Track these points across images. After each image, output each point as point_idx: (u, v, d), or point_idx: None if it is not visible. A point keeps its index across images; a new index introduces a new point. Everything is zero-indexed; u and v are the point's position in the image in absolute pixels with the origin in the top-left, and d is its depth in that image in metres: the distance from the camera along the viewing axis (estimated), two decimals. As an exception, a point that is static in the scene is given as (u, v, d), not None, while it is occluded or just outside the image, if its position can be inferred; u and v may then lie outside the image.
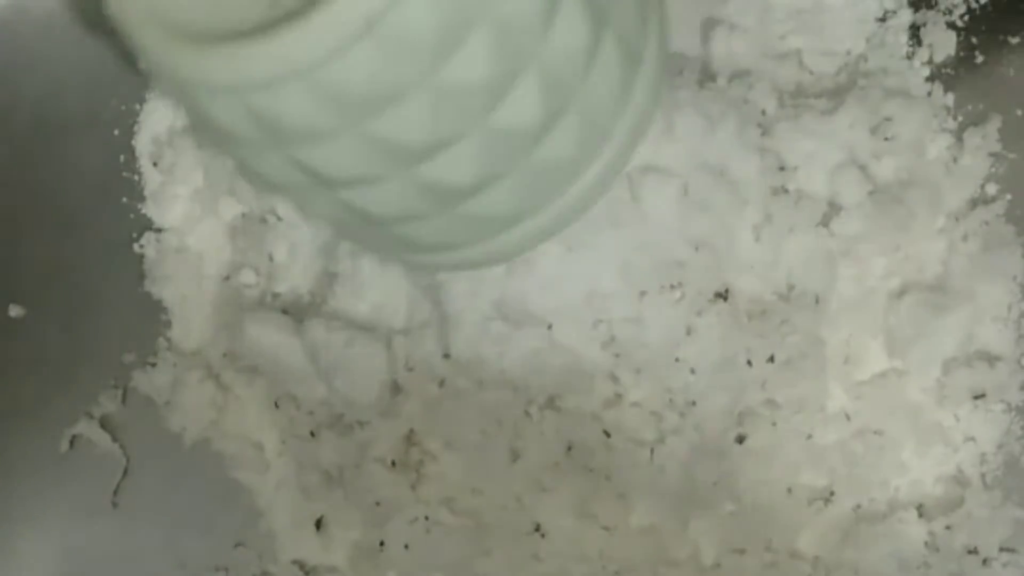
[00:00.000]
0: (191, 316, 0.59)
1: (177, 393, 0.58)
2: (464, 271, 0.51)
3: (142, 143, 0.62)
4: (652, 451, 0.52)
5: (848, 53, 0.58)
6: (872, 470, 0.53)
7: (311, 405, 0.55)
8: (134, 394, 0.59)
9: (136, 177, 0.61)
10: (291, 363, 0.55)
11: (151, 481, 0.58)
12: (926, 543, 0.52)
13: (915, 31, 0.58)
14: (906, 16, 0.58)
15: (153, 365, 0.59)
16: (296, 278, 0.57)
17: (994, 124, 0.55)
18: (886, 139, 0.55)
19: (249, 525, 0.57)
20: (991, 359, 0.53)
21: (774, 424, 0.52)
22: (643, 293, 0.51)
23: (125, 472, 0.58)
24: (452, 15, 0.36)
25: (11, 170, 0.62)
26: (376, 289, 0.54)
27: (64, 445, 0.58)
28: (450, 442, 0.53)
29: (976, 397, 0.53)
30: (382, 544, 0.54)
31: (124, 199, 0.61)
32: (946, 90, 0.57)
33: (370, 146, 0.39)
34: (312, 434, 0.55)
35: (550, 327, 0.51)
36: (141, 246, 0.60)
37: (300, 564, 0.56)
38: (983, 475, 0.53)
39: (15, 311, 0.60)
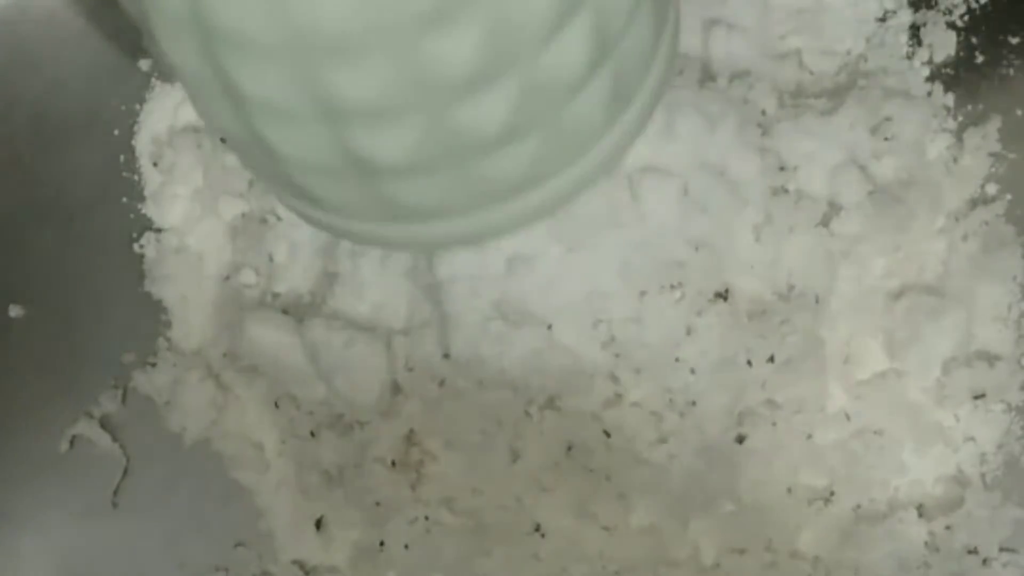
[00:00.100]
0: (191, 316, 0.59)
1: (177, 393, 0.58)
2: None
3: (142, 143, 0.62)
4: (652, 451, 0.52)
5: (848, 53, 0.58)
6: (872, 470, 0.53)
7: (311, 405, 0.55)
8: (134, 394, 0.59)
9: (136, 177, 0.61)
10: (291, 363, 0.55)
11: (151, 481, 0.58)
12: (926, 543, 0.52)
13: (915, 31, 0.58)
14: (906, 16, 0.58)
15: (153, 365, 0.59)
16: (296, 278, 0.57)
17: (994, 124, 0.55)
18: (886, 139, 0.55)
19: (249, 525, 0.57)
20: (991, 359, 0.53)
21: (774, 424, 0.52)
22: (643, 293, 0.51)
23: (125, 472, 0.58)
24: None
25: (11, 170, 0.62)
26: (376, 289, 0.54)
27: (64, 445, 0.58)
28: (450, 442, 0.54)
29: (976, 397, 0.53)
30: (382, 544, 0.54)
31: (124, 199, 0.61)
32: (946, 90, 0.57)
33: (406, 70, 0.36)
34: (312, 434, 0.55)
35: (550, 327, 0.51)
36: (141, 246, 0.60)
37: (300, 564, 0.56)
38: (983, 475, 0.53)
39: (15, 311, 0.60)
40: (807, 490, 0.53)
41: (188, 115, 0.61)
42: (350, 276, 0.54)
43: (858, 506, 0.53)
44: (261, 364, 0.56)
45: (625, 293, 0.51)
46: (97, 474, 0.58)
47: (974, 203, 0.55)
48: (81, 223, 0.61)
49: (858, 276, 0.53)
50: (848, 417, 0.53)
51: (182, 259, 0.60)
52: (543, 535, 0.53)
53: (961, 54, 0.57)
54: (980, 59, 0.57)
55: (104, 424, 0.59)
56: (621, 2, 0.40)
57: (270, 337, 0.55)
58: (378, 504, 0.54)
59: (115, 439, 0.58)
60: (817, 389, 0.52)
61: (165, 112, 0.62)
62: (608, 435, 0.52)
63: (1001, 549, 0.52)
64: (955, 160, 0.56)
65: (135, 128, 0.62)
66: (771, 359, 0.52)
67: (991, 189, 0.55)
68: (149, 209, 0.61)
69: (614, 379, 0.52)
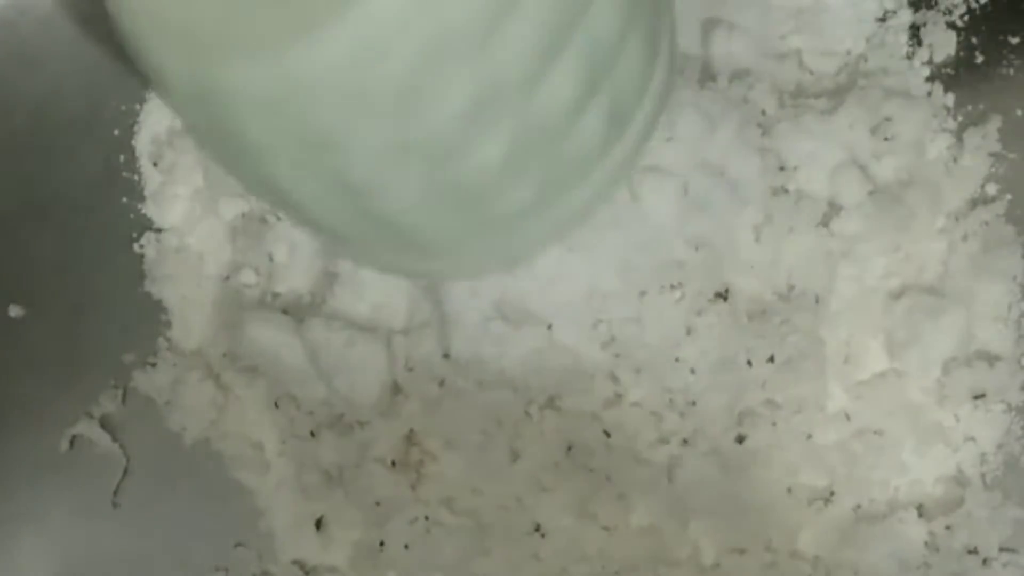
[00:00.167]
0: (191, 316, 0.59)
1: (177, 393, 0.58)
2: (464, 279, 0.51)
3: (142, 143, 0.62)
4: (652, 451, 0.52)
5: (848, 53, 0.58)
6: (872, 470, 0.53)
7: (311, 405, 0.55)
8: (134, 394, 0.59)
9: (136, 177, 0.61)
10: (291, 363, 0.55)
11: (151, 481, 0.58)
12: (926, 543, 0.52)
13: (915, 31, 0.58)
14: (906, 16, 0.58)
15: (153, 365, 0.59)
16: (296, 278, 0.57)
17: (994, 124, 0.55)
18: (886, 139, 0.55)
19: (249, 525, 0.57)
20: (991, 359, 0.53)
21: (774, 424, 0.52)
22: (643, 293, 0.51)
23: (125, 472, 0.58)
24: (495, 3, 0.35)
25: (11, 170, 0.62)
26: (376, 289, 0.54)
27: (64, 445, 0.58)
28: (450, 442, 0.53)
29: (976, 397, 0.53)
30: (382, 544, 0.54)
31: (124, 199, 0.61)
32: (946, 90, 0.57)
33: (403, 145, 0.38)
34: (312, 434, 0.55)
35: (550, 327, 0.51)
36: (141, 246, 0.60)
37: (300, 564, 0.56)
38: (983, 475, 0.53)
39: (15, 311, 0.60)
40: (807, 490, 0.53)
41: (188, 115, 0.61)
42: (350, 276, 0.54)
43: (858, 506, 0.53)
44: (261, 364, 0.56)
45: (625, 293, 0.51)
46: (97, 474, 0.58)
47: (974, 203, 0.55)
48: (81, 223, 0.61)
49: (858, 276, 0.53)
50: (848, 417, 0.53)
51: (182, 259, 0.60)
52: (543, 535, 0.53)
53: (961, 54, 0.57)
54: (980, 59, 0.57)
55: (104, 424, 0.59)
56: (609, 31, 0.40)
57: (270, 337, 0.55)
58: (378, 504, 0.54)
59: (115, 439, 0.58)
60: (817, 389, 0.52)
61: (165, 112, 0.61)
62: (608, 435, 0.52)
63: (1001, 549, 0.52)
64: (955, 160, 0.56)
65: (135, 128, 0.62)
66: (771, 359, 0.52)
67: (991, 189, 0.55)
68: (149, 209, 0.61)
69: (614, 379, 0.52)
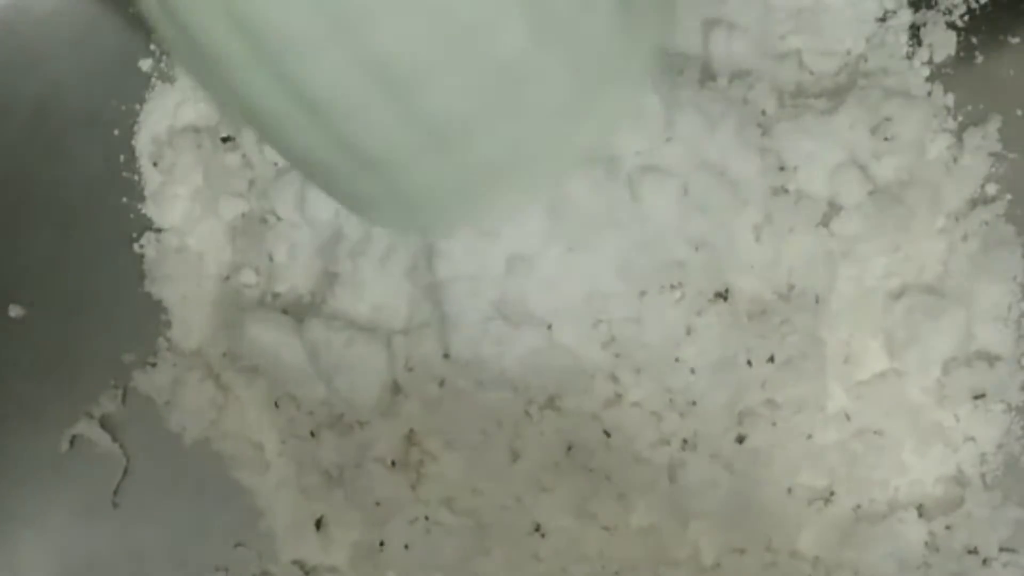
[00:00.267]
0: (191, 316, 0.59)
1: (177, 393, 0.58)
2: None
3: (142, 143, 0.62)
4: (652, 451, 0.52)
5: (848, 53, 0.58)
6: (872, 470, 0.53)
7: (311, 405, 0.55)
8: (134, 394, 0.59)
9: (136, 177, 0.61)
10: (291, 363, 0.55)
11: (151, 481, 0.58)
12: (926, 543, 0.52)
13: (915, 31, 0.58)
14: (906, 16, 0.58)
15: (153, 365, 0.59)
16: (296, 278, 0.57)
17: (994, 124, 0.56)
18: (886, 139, 0.55)
19: (249, 525, 0.57)
20: (991, 359, 0.53)
21: (774, 424, 0.52)
22: (643, 293, 0.51)
23: (125, 472, 0.58)
24: None
25: (11, 170, 0.62)
26: (376, 289, 0.54)
27: (64, 445, 0.58)
28: (450, 442, 0.54)
29: (976, 397, 0.53)
30: (382, 544, 0.54)
31: (124, 199, 0.61)
32: (946, 90, 0.57)
33: (362, 64, 0.37)
34: (312, 434, 0.55)
35: (550, 327, 0.51)
36: (141, 246, 0.60)
37: (300, 564, 0.56)
38: (983, 475, 0.53)
39: (15, 311, 0.60)
40: (807, 490, 0.53)
41: (188, 115, 0.61)
42: (350, 276, 0.54)
43: (858, 506, 0.53)
44: (261, 364, 0.56)
45: (625, 293, 0.51)
46: (97, 474, 0.58)
47: (974, 203, 0.55)
48: (81, 223, 0.61)
49: (858, 276, 0.53)
50: (848, 417, 0.53)
51: (182, 259, 0.60)
52: (543, 535, 0.53)
53: (961, 54, 0.57)
54: (980, 59, 0.57)
55: (104, 424, 0.59)
56: None
57: (270, 337, 0.55)
58: (378, 504, 0.54)
59: (115, 439, 0.58)
60: (817, 389, 0.52)
61: (165, 112, 0.62)
62: (608, 435, 0.52)
63: (1001, 549, 0.52)
64: (955, 160, 0.56)
65: (135, 128, 0.62)
66: (771, 359, 0.52)
67: (991, 189, 0.55)
68: (149, 209, 0.61)
69: (614, 379, 0.52)
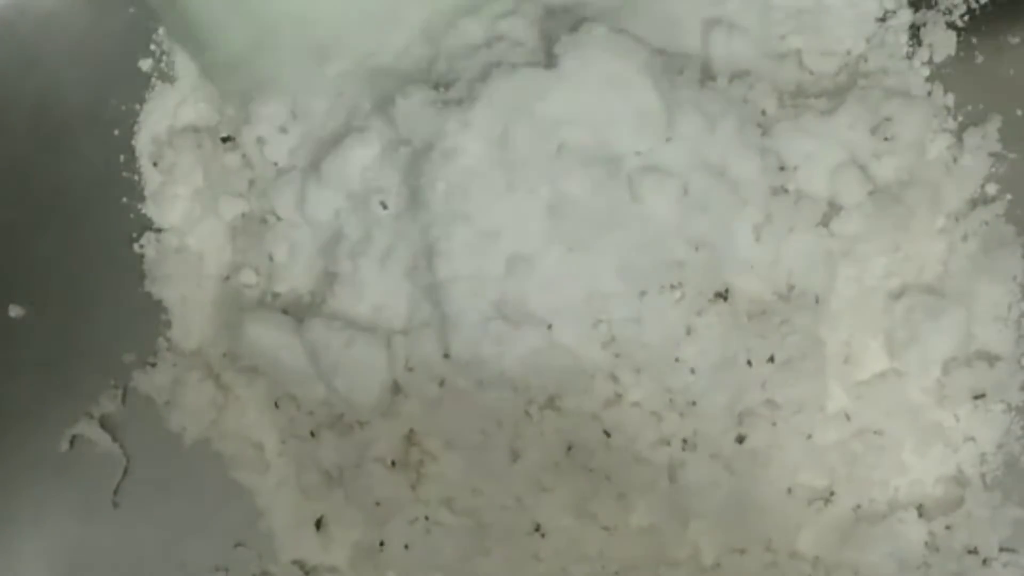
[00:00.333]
0: (191, 316, 0.59)
1: (177, 393, 0.58)
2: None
3: (142, 143, 0.62)
4: (652, 451, 0.52)
5: (848, 53, 0.58)
6: (872, 470, 0.53)
7: (311, 405, 0.55)
8: (134, 394, 0.59)
9: (136, 177, 0.61)
10: (291, 363, 0.55)
11: (151, 481, 0.58)
12: (926, 543, 0.52)
13: (915, 31, 0.58)
14: (906, 16, 0.58)
15: (153, 365, 0.59)
16: (296, 278, 0.57)
17: (994, 124, 0.56)
18: (886, 139, 0.55)
19: (249, 525, 0.57)
20: (991, 359, 0.53)
21: (774, 424, 0.52)
22: (643, 293, 0.51)
23: (125, 472, 0.58)
24: None
25: (11, 169, 0.62)
26: (376, 289, 0.54)
27: (64, 445, 0.58)
28: (450, 442, 0.54)
29: (976, 397, 0.53)
30: (382, 544, 0.54)
31: (124, 199, 0.61)
32: (946, 90, 0.57)
33: None
34: (312, 434, 0.55)
35: (550, 327, 0.51)
36: (141, 246, 0.60)
37: (300, 564, 0.56)
38: (983, 475, 0.53)
39: (15, 311, 0.60)
40: (807, 490, 0.53)
41: (188, 115, 0.61)
42: (350, 276, 0.54)
43: (858, 506, 0.53)
44: (261, 364, 0.56)
45: (625, 293, 0.51)
46: (97, 474, 0.58)
47: (974, 203, 0.55)
48: (81, 223, 0.61)
49: (858, 276, 0.53)
50: (848, 417, 0.53)
51: (182, 259, 0.60)
52: (543, 535, 0.53)
53: (961, 54, 0.57)
54: (980, 59, 0.57)
55: (104, 424, 0.59)
56: None
57: (270, 337, 0.55)
58: (378, 504, 0.54)
59: (115, 439, 0.58)
60: (817, 389, 0.52)
61: (165, 112, 0.62)
62: (608, 435, 0.52)
63: (1001, 549, 0.52)
64: (955, 160, 0.56)
65: (135, 128, 0.62)
66: (771, 359, 0.52)
67: (991, 189, 0.55)
68: (149, 209, 0.61)
69: (614, 379, 0.52)
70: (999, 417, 0.53)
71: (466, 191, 0.51)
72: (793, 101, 0.56)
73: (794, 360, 0.52)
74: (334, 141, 0.55)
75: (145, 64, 0.62)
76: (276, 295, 0.57)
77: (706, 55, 0.57)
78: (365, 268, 0.54)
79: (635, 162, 0.51)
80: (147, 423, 0.58)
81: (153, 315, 0.60)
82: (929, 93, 0.57)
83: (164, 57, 0.62)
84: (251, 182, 0.59)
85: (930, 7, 0.58)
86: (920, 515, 0.52)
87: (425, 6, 0.58)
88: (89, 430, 0.58)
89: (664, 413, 0.52)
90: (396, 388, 0.54)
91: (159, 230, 0.61)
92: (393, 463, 0.54)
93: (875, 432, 0.53)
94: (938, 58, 0.57)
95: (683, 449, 0.52)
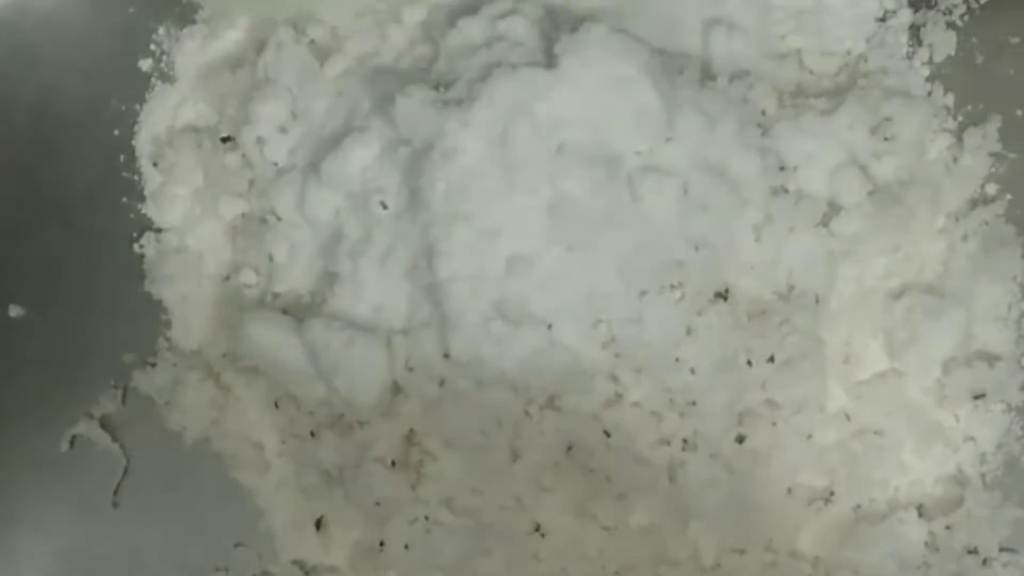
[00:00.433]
0: (191, 316, 0.59)
1: (177, 393, 0.58)
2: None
3: (142, 143, 0.62)
4: (652, 451, 0.52)
5: (848, 53, 0.58)
6: (872, 470, 0.53)
7: (311, 405, 0.55)
8: (134, 394, 0.59)
9: (136, 177, 0.61)
10: (291, 363, 0.55)
11: (151, 481, 0.58)
12: (926, 543, 0.52)
13: (915, 31, 0.58)
14: (906, 16, 0.58)
15: (153, 365, 0.59)
16: (296, 278, 0.57)
17: (994, 124, 0.56)
18: (886, 139, 0.55)
19: (249, 525, 0.57)
20: (991, 359, 0.53)
21: (774, 424, 0.52)
22: (643, 293, 0.51)
23: (125, 472, 0.58)
24: None
25: (11, 170, 0.62)
26: (376, 289, 0.54)
27: (64, 445, 0.58)
28: (450, 442, 0.53)
29: (976, 397, 0.53)
30: (382, 544, 0.54)
31: (124, 199, 0.61)
32: (946, 90, 0.57)
33: None
34: (312, 434, 0.55)
35: (550, 327, 0.51)
36: (141, 246, 0.60)
37: (300, 564, 0.56)
38: (983, 475, 0.53)
39: (15, 311, 0.60)
40: (807, 490, 0.53)
41: (188, 115, 0.61)
42: (350, 276, 0.54)
43: (858, 506, 0.53)
44: (261, 364, 0.56)
45: (625, 293, 0.51)
46: (97, 474, 0.58)
47: (974, 203, 0.55)
48: (81, 223, 0.61)
49: (858, 276, 0.53)
50: (848, 417, 0.53)
51: (182, 259, 0.60)
52: (543, 535, 0.53)
53: (961, 54, 0.57)
54: (980, 59, 0.57)
55: (104, 424, 0.59)
56: None
57: (270, 337, 0.55)
58: (378, 504, 0.54)
59: (115, 439, 0.58)
60: (817, 389, 0.52)
61: (165, 112, 0.62)
62: (608, 435, 0.52)
63: (1001, 549, 0.52)
64: (955, 160, 0.56)
65: (135, 128, 0.62)
66: (771, 359, 0.52)
67: (991, 189, 0.55)
68: (149, 209, 0.61)
69: (614, 379, 0.52)
70: (999, 417, 0.53)
71: (466, 191, 0.51)
72: (793, 101, 0.56)
73: (794, 360, 0.52)
74: (334, 141, 0.55)
75: (145, 64, 0.62)
76: (276, 295, 0.57)
77: (706, 55, 0.57)
78: (365, 268, 0.54)
79: (635, 162, 0.51)
80: (147, 423, 0.58)
81: (153, 315, 0.60)
82: (929, 93, 0.57)
83: (164, 57, 0.62)
84: (251, 182, 0.59)
85: (930, 7, 0.58)
86: (920, 515, 0.52)
87: (425, 6, 0.58)
88: (89, 430, 0.58)
89: (664, 413, 0.52)
90: (396, 388, 0.54)
91: (159, 230, 0.61)
92: (393, 463, 0.54)
93: (875, 432, 0.53)
94: (938, 58, 0.57)
95: (683, 449, 0.52)
